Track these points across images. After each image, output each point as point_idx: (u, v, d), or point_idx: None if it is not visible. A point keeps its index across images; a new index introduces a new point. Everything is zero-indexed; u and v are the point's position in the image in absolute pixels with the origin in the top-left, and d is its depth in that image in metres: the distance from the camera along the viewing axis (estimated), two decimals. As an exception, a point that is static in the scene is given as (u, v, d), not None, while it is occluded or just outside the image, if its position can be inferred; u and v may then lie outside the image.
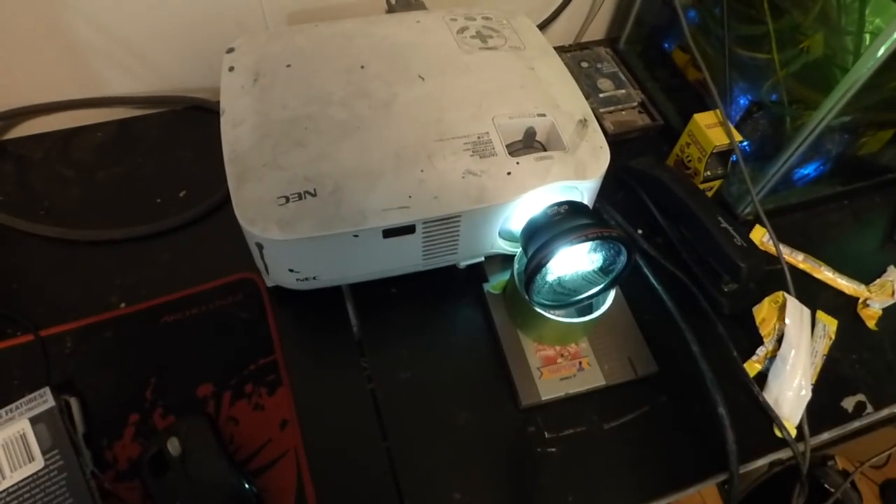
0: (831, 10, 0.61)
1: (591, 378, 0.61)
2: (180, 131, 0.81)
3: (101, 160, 0.77)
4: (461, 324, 0.66)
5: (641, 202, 0.75)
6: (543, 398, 0.60)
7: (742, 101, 0.72)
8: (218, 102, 0.60)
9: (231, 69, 0.62)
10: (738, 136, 0.69)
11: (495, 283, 0.66)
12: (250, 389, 0.59)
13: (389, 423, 0.59)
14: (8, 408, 0.53)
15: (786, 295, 0.65)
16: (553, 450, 0.59)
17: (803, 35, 0.63)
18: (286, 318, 0.65)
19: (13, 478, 0.50)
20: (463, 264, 0.66)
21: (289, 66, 0.62)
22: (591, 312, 0.60)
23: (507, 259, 0.66)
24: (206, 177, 0.74)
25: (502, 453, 0.58)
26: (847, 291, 0.71)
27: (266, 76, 0.61)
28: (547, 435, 0.59)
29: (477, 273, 0.67)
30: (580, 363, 0.62)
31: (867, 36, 0.59)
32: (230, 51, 0.64)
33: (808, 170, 0.73)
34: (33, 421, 0.52)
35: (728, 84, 0.72)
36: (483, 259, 0.66)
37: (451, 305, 0.67)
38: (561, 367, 0.62)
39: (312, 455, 0.56)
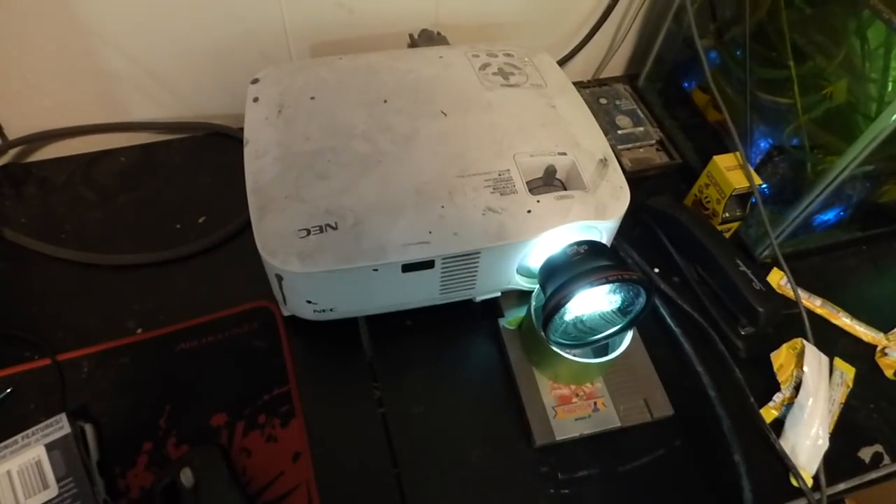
0: (855, 57, 0.61)
1: (607, 419, 0.61)
2: (201, 157, 0.82)
3: (123, 184, 0.78)
4: (475, 358, 0.66)
5: (658, 240, 0.75)
6: (558, 438, 0.59)
7: (762, 145, 0.72)
8: (239, 129, 0.61)
9: (256, 100, 0.63)
10: (757, 180, 0.69)
11: (511, 319, 0.66)
12: (264, 420, 0.59)
13: (401, 457, 0.58)
14: (24, 434, 0.53)
15: (804, 342, 0.65)
16: (566, 491, 0.58)
17: (826, 81, 0.63)
18: (301, 347, 0.65)
19: (28, 505, 0.50)
20: (479, 299, 0.66)
21: (313, 98, 0.63)
22: (607, 353, 0.60)
23: (522, 295, 0.66)
24: (226, 203, 0.75)
25: (515, 493, 0.58)
26: (865, 339, 0.70)
27: (290, 108, 0.62)
28: (560, 476, 0.59)
29: (492, 308, 0.67)
30: (595, 403, 0.61)
31: (891, 84, 0.60)
32: (255, 81, 0.65)
33: (828, 215, 0.73)
34: (49, 448, 0.52)
35: (749, 127, 0.72)
36: (499, 294, 0.66)
37: (465, 339, 0.67)
38: (576, 406, 0.61)
39: (324, 489, 0.56)
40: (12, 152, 0.79)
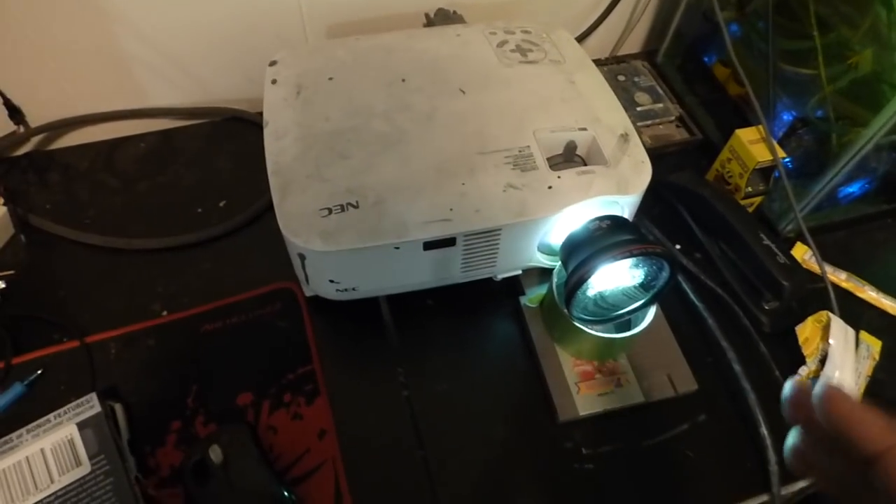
0: (881, 26, 0.60)
1: (630, 395, 0.61)
2: (220, 142, 0.82)
3: (144, 170, 0.78)
4: (497, 336, 0.66)
5: (679, 216, 0.75)
6: (581, 414, 0.59)
7: (785, 117, 0.71)
8: (256, 114, 0.61)
9: (274, 82, 0.63)
10: (781, 153, 0.69)
11: (532, 297, 0.66)
12: (289, 399, 0.60)
13: (426, 434, 0.59)
14: (56, 412, 0.54)
15: (830, 315, 0.64)
16: (590, 466, 0.58)
17: (851, 51, 0.62)
18: (323, 327, 0.65)
19: (61, 481, 0.51)
20: (500, 277, 0.66)
21: (331, 78, 0.63)
22: (629, 328, 0.60)
23: (543, 272, 0.65)
24: (245, 187, 0.75)
25: (539, 468, 0.58)
26: (891, 312, 0.69)
27: (308, 89, 0.62)
28: (584, 451, 0.59)
29: (513, 285, 0.67)
30: (618, 379, 0.61)
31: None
32: (273, 63, 0.65)
33: (853, 188, 0.72)
34: (81, 426, 0.53)
35: (772, 99, 0.71)
36: (520, 272, 0.66)
37: (487, 318, 0.67)
38: (599, 382, 0.61)
39: (350, 465, 0.56)
40: (35, 140, 0.79)
